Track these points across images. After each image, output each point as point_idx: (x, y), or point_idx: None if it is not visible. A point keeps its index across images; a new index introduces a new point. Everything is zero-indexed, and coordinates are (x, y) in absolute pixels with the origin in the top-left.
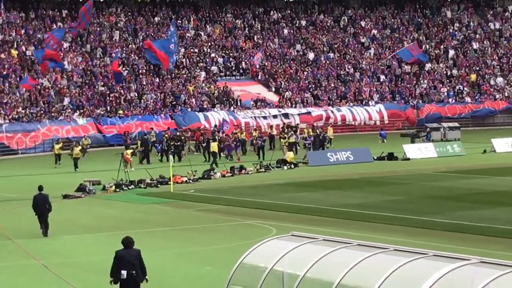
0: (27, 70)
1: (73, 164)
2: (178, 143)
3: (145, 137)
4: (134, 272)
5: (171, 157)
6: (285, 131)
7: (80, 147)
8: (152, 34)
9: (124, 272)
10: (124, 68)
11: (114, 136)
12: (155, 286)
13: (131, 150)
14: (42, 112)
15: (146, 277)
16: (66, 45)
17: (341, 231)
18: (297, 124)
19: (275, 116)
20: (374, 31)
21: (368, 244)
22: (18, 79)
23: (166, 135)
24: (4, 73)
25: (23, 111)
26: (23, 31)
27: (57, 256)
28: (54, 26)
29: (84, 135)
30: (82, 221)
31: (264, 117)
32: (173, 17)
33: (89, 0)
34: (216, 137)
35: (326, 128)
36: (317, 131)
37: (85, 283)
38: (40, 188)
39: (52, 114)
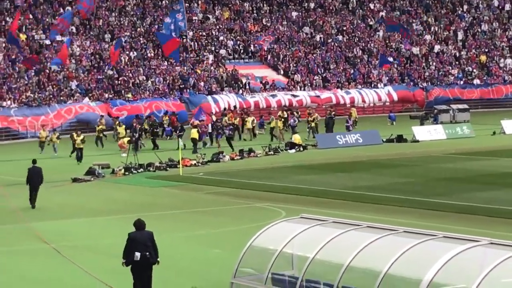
0: (36, 54)
1: (77, 155)
2: (157, 130)
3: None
4: (147, 253)
5: (180, 141)
6: (283, 114)
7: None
8: (161, 17)
9: (137, 254)
10: (132, 52)
11: (125, 118)
12: (164, 269)
13: (128, 138)
14: (51, 96)
15: (158, 259)
16: (73, 29)
17: (351, 213)
18: (296, 107)
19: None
20: (383, 13)
21: (377, 226)
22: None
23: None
24: (13, 57)
25: (32, 95)
26: (31, 15)
27: (68, 239)
28: (62, 10)
29: (101, 117)
30: (92, 204)
31: (273, 96)
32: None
33: None
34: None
35: (334, 109)
36: (330, 111)
37: (96, 266)
38: (34, 161)
39: (61, 98)
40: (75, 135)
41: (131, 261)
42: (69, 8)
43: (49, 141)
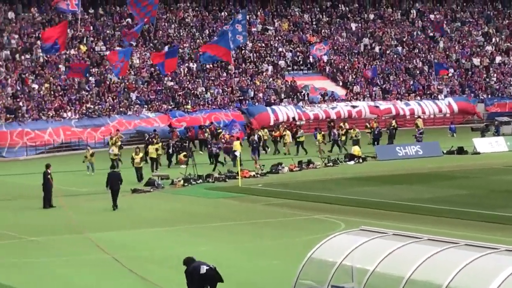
0: (96, 65)
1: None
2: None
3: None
4: (212, 265)
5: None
6: (344, 125)
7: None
8: (219, 28)
9: (204, 267)
10: (192, 63)
11: (184, 130)
12: (224, 280)
13: (184, 153)
14: (110, 107)
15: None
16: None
17: (411, 226)
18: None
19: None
20: (443, 24)
21: (438, 239)
22: (87, 74)
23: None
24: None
25: (92, 106)
26: (91, 27)
27: (127, 250)
28: (124, 22)
29: (117, 131)
30: (151, 215)
31: (333, 108)
32: (240, 11)
33: None
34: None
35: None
36: (391, 123)
37: (155, 276)
38: (113, 166)
39: (121, 109)
40: (133, 154)
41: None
42: (130, 20)
43: (84, 159)
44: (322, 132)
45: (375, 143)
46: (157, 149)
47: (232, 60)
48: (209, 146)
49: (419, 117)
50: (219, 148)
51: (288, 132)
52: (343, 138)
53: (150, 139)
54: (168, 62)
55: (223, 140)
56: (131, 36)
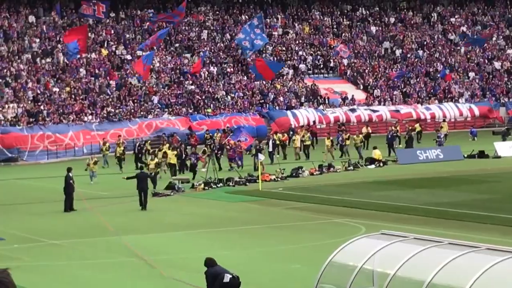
0: (116, 69)
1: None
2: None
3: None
4: (236, 275)
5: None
6: (299, 132)
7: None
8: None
9: (227, 275)
10: (212, 67)
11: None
12: (245, 285)
13: (204, 149)
14: (132, 111)
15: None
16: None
17: (432, 230)
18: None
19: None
20: (464, 28)
21: (459, 243)
22: (107, 78)
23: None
24: (96, 72)
25: (112, 110)
26: (112, 31)
27: (148, 253)
28: (144, 26)
29: (119, 138)
30: (172, 219)
31: (353, 111)
32: (255, 16)
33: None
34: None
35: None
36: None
37: (176, 280)
38: (141, 167)
39: (142, 113)
40: (149, 159)
41: (220, 285)
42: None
43: (86, 167)
44: (331, 138)
45: (390, 147)
46: (176, 155)
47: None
48: (187, 156)
49: (444, 120)
50: (196, 159)
51: (297, 137)
52: (347, 142)
53: (164, 143)
54: (197, 65)
55: (228, 147)
56: (157, 43)
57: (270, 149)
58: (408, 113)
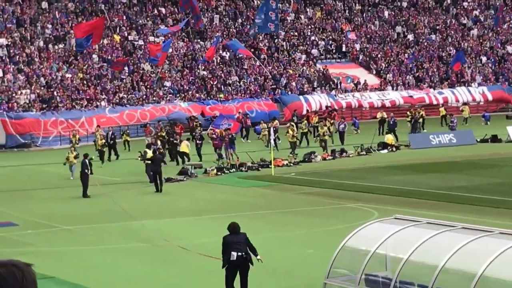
0: (129, 55)
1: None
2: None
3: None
4: (243, 253)
5: (272, 142)
6: (295, 121)
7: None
8: (252, 18)
9: (234, 254)
10: (225, 53)
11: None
12: (258, 269)
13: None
14: (144, 96)
15: (259, 257)
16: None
17: (445, 214)
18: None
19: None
20: (477, 12)
21: (472, 227)
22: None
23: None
24: (109, 57)
25: (125, 96)
26: (124, 17)
27: (161, 238)
28: (155, 11)
29: (98, 127)
30: (185, 204)
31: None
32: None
33: None
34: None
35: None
36: (414, 112)
37: (188, 265)
38: (154, 151)
39: (154, 98)
40: (69, 154)
41: (227, 260)
42: (163, 9)
43: (65, 161)
44: (328, 124)
45: (391, 133)
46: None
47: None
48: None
49: (465, 103)
50: (162, 155)
51: (293, 124)
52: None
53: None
54: (211, 50)
55: (214, 136)
56: (175, 31)
57: (273, 136)
58: (421, 98)
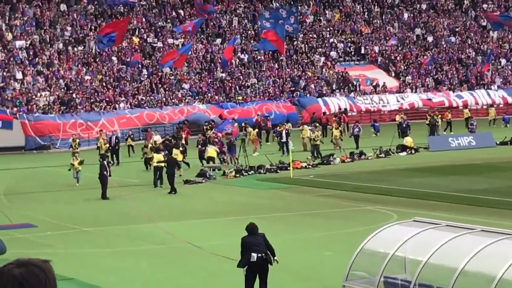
0: (148, 57)
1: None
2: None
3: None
4: (263, 254)
5: (290, 142)
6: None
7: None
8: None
9: (254, 255)
10: (243, 55)
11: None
12: (277, 271)
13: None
14: (163, 98)
15: (275, 258)
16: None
17: (464, 217)
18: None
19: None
20: (497, 14)
21: (491, 230)
22: (139, 66)
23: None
24: (128, 60)
25: (144, 98)
26: (143, 19)
27: (178, 241)
28: (174, 13)
29: (101, 131)
30: (203, 206)
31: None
32: (292, 3)
33: None
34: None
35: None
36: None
37: (206, 267)
38: (170, 152)
39: (173, 101)
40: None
41: (247, 262)
42: (182, 12)
43: (70, 166)
44: (340, 128)
45: (403, 136)
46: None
47: (284, 51)
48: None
49: (491, 105)
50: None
51: (305, 127)
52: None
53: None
54: (228, 50)
55: (216, 140)
56: (190, 32)
57: (284, 139)
58: (441, 101)
